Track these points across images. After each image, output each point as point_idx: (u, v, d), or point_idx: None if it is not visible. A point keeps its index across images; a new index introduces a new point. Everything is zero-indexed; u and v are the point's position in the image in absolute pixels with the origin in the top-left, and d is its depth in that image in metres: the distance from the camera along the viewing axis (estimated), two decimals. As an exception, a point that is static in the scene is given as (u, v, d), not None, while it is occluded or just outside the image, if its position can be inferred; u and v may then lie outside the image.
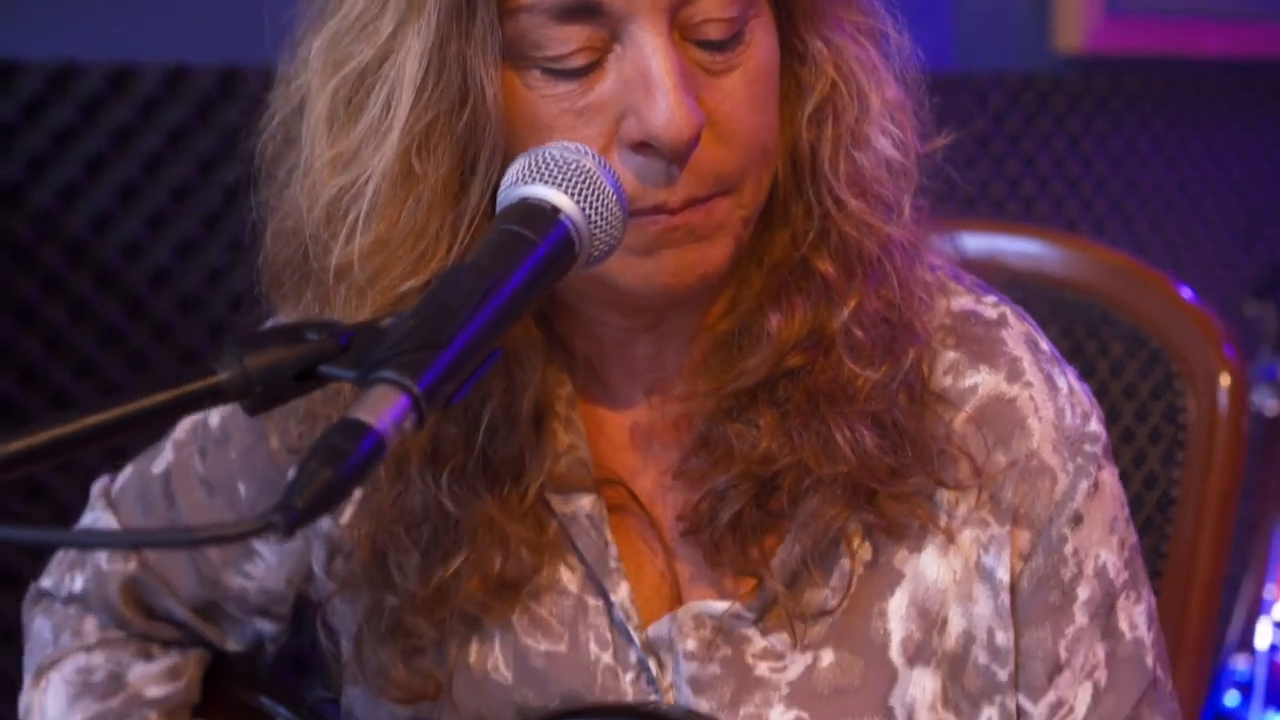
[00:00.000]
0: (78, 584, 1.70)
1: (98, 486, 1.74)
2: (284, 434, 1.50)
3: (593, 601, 1.47)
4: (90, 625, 1.70)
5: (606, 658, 1.46)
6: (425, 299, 1.10)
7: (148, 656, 1.70)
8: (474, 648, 1.49)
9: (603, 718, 1.45)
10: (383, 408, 1.01)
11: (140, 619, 1.70)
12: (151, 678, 1.68)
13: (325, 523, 1.54)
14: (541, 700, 1.47)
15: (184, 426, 1.69)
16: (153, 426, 1.04)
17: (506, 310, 1.10)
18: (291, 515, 0.94)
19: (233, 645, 1.72)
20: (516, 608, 1.47)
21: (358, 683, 1.54)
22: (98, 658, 1.68)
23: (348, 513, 1.50)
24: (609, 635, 1.46)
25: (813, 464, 1.38)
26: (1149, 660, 1.47)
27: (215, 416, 1.66)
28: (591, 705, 1.46)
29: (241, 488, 1.63)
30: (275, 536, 0.94)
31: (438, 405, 1.03)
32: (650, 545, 1.47)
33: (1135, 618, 1.47)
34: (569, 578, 1.47)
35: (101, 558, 1.69)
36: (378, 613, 1.49)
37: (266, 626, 1.69)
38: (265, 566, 1.65)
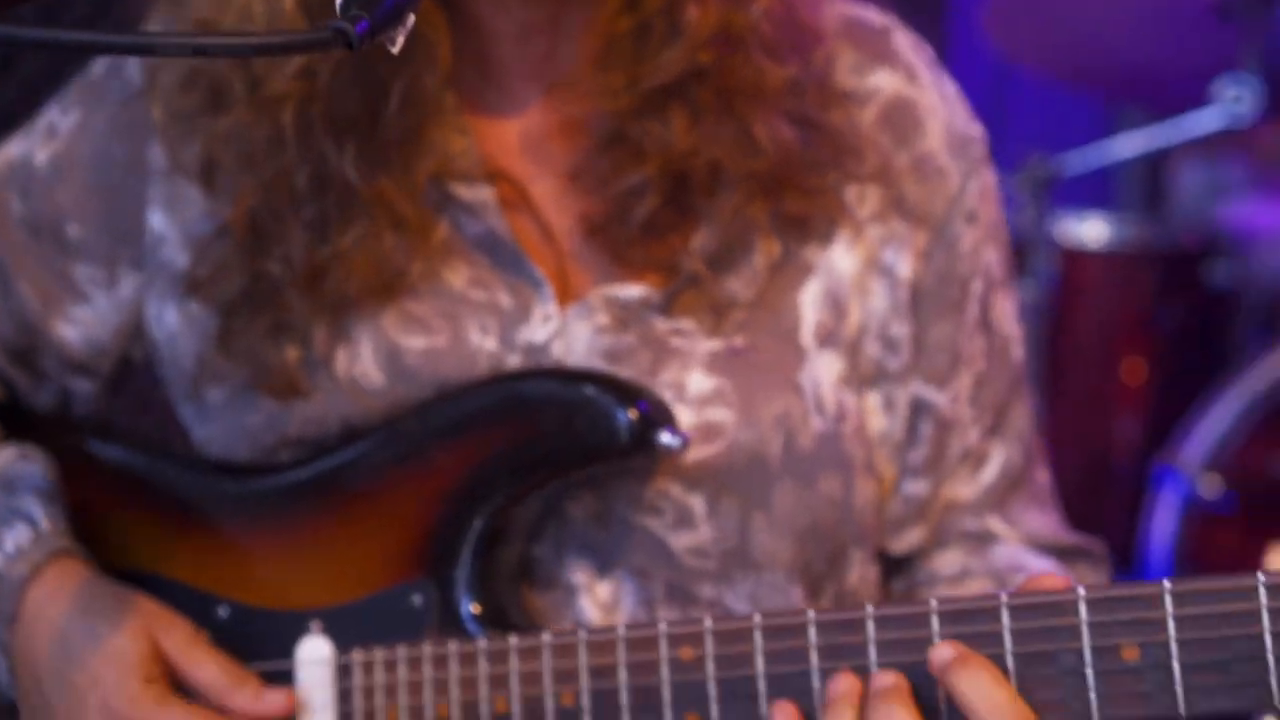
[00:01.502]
0: None
1: None
2: (167, 102, 1.47)
3: (477, 295, 1.46)
4: None
5: (490, 344, 1.46)
6: None
7: None
8: (340, 355, 1.47)
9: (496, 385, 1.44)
10: None
11: None
12: None
13: (179, 258, 1.51)
14: (418, 398, 1.46)
15: None
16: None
17: None
18: (362, 22, 0.89)
19: (41, 400, 1.64)
20: (390, 308, 1.46)
21: (221, 383, 1.50)
22: None
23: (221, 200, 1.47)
24: (493, 323, 1.46)
25: (728, 160, 1.43)
26: (1016, 353, 1.58)
27: (43, 153, 1.58)
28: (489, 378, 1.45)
29: (72, 229, 1.56)
30: (350, 42, 0.88)
31: None
32: (542, 248, 1.48)
33: (1007, 313, 1.58)
34: (453, 278, 1.47)
35: None
36: (253, 287, 1.46)
37: (82, 385, 1.62)
38: (95, 313, 1.58)
